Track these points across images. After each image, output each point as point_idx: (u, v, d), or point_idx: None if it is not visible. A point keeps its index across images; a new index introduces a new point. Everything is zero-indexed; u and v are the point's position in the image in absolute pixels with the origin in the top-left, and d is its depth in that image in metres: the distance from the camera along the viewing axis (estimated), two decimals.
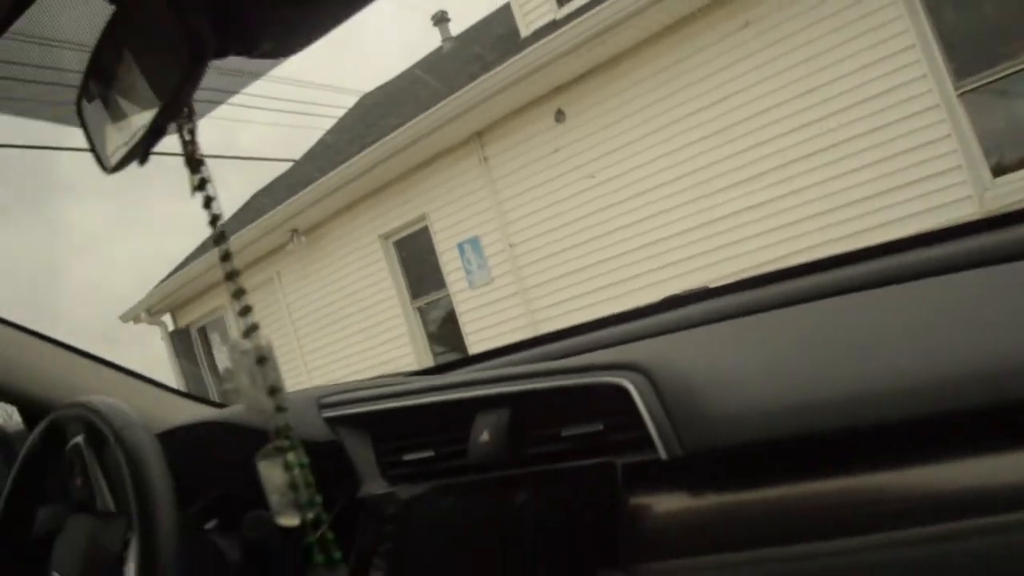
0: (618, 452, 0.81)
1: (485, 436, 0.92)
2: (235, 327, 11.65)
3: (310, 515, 0.69)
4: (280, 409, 0.65)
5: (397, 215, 9.08)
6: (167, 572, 0.86)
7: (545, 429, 0.90)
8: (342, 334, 9.81)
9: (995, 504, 0.59)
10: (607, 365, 0.85)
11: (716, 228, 6.61)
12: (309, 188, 9.14)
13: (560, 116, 7.41)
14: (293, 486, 0.68)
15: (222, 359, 12.53)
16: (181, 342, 12.72)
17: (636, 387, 0.80)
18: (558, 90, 7.38)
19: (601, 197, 7.30)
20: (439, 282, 8.95)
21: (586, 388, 0.87)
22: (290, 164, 12.82)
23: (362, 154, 8.57)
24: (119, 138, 0.67)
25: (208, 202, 0.60)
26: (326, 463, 0.96)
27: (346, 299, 9.77)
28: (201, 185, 0.60)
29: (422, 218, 8.89)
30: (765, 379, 0.76)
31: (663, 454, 0.76)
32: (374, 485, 1.07)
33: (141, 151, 0.61)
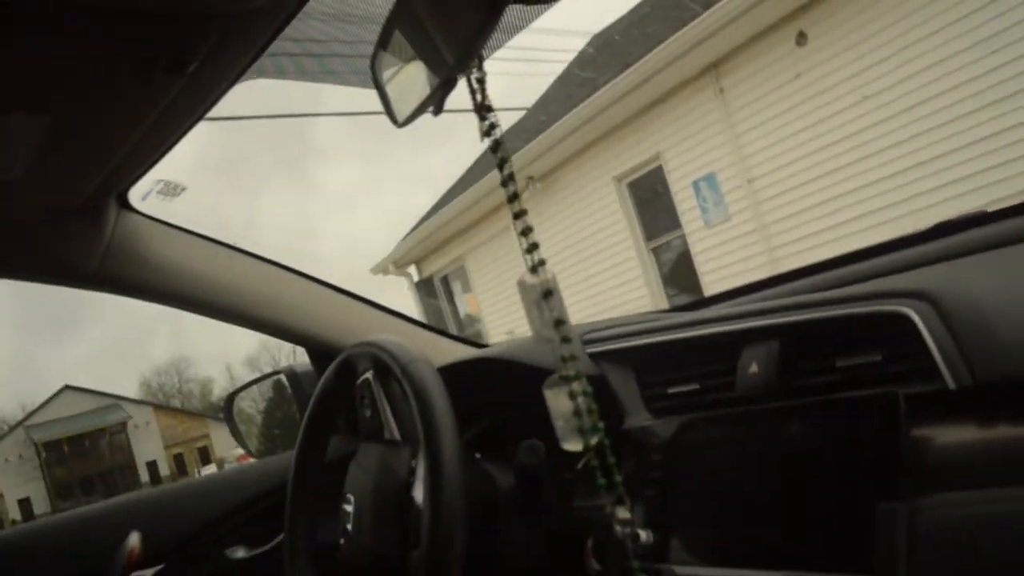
0: (897, 383, 0.79)
1: (754, 368, 0.93)
2: (473, 277, 12.15)
3: (593, 440, 0.72)
4: (565, 340, 0.69)
5: (630, 156, 9.02)
6: (453, 494, 0.93)
7: (818, 360, 0.88)
8: (576, 278, 9.96)
9: None
10: (885, 293, 0.82)
11: (977, 151, 6.03)
12: (543, 135, 9.26)
13: (802, 39, 7.00)
14: (577, 413, 0.72)
15: (462, 305, 13.14)
16: (426, 291, 13.44)
17: (920, 315, 0.77)
18: (801, 10, 6.96)
19: (846, 124, 6.86)
20: (674, 222, 8.85)
21: (862, 318, 0.84)
22: (523, 112, 13.05)
23: (593, 96, 8.57)
24: (410, 93, 0.72)
25: (496, 146, 0.64)
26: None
27: (580, 243, 9.88)
28: (489, 131, 0.64)
29: (656, 157, 8.78)
30: None
31: (951, 383, 0.73)
32: (638, 418, 1.10)
33: (435, 102, 0.66)
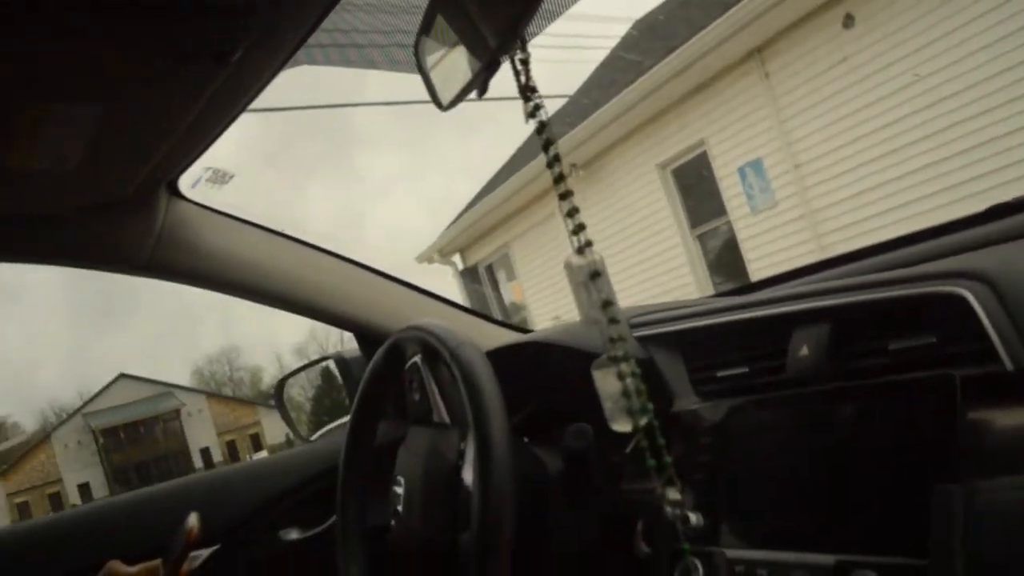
0: (951, 365, 0.77)
1: (804, 350, 0.92)
2: (518, 263, 12.16)
3: (642, 421, 0.72)
4: (613, 321, 0.69)
5: (674, 142, 8.95)
6: (503, 476, 0.94)
7: (870, 343, 0.87)
8: (621, 266, 9.91)
9: None
10: (940, 274, 0.81)
11: None
12: (586, 121, 9.23)
13: (849, 21, 6.86)
14: (626, 394, 0.72)
15: (507, 293, 13.16)
16: (470, 279, 13.49)
17: (976, 296, 0.76)
18: None
19: (894, 108, 6.73)
20: (718, 209, 8.76)
21: (916, 299, 0.83)
22: (564, 99, 13.00)
23: (636, 83, 8.51)
24: (453, 77, 0.73)
25: (541, 127, 0.65)
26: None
27: (626, 230, 9.84)
28: (534, 112, 0.64)
29: (700, 144, 8.70)
30: None
31: (1009, 365, 0.72)
32: (687, 401, 1.09)
33: (479, 84, 0.67)
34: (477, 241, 13.00)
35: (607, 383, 0.74)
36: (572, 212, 0.66)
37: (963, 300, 0.77)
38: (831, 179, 7.42)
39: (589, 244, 0.67)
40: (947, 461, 0.72)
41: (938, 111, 6.39)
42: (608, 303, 0.68)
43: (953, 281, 0.79)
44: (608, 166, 9.86)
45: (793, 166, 7.73)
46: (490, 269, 13.42)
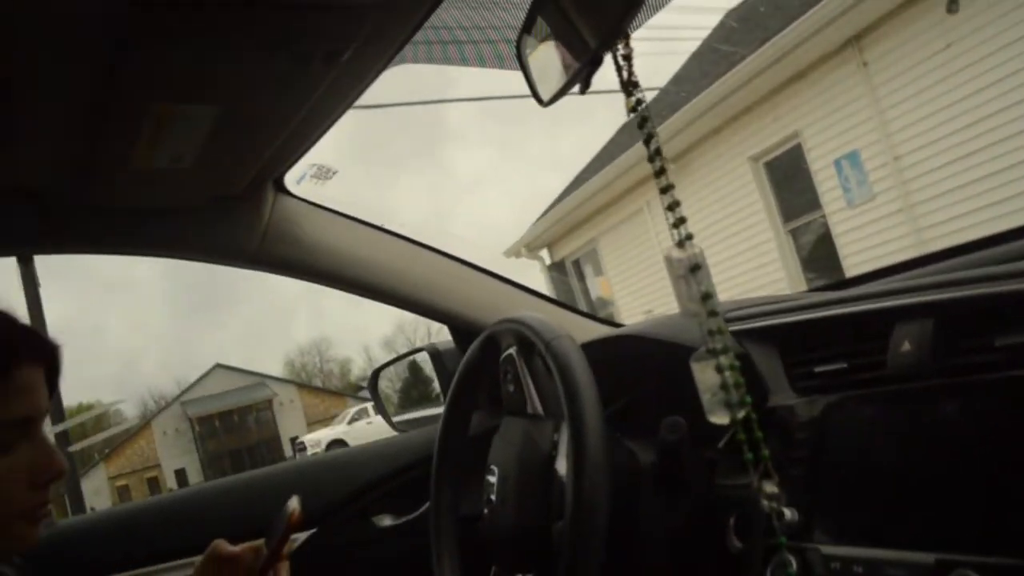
0: None
1: (907, 346, 0.90)
2: (603, 258, 12.11)
3: (740, 414, 0.73)
4: (712, 314, 0.69)
5: (767, 135, 8.78)
6: (597, 466, 0.95)
7: (975, 339, 0.85)
8: (712, 260, 9.70)
9: None
10: None
11: None
12: (677, 114, 9.13)
13: (953, 5, 6.60)
14: (724, 386, 0.72)
15: (594, 288, 13.13)
16: (558, 274, 13.50)
17: None
18: None
19: (1000, 97, 6.45)
20: (813, 203, 8.57)
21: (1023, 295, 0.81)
22: (656, 92, 12.88)
23: (729, 74, 8.37)
24: (554, 73, 0.74)
25: (643, 122, 0.66)
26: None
27: (715, 225, 9.70)
28: (636, 106, 0.65)
29: (794, 136, 8.51)
30: None
31: None
32: (783, 396, 1.08)
33: (581, 80, 0.68)
34: (565, 236, 13.01)
35: (706, 376, 0.75)
36: (673, 206, 0.67)
37: None
38: (932, 171, 7.17)
39: (690, 237, 0.68)
40: None
41: None
42: (708, 296, 0.69)
43: None
44: (699, 159, 9.73)
45: (892, 158, 7.50)
46: (577, 264, 13.41)
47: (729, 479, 1.10)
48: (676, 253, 0.69)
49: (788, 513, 0.91)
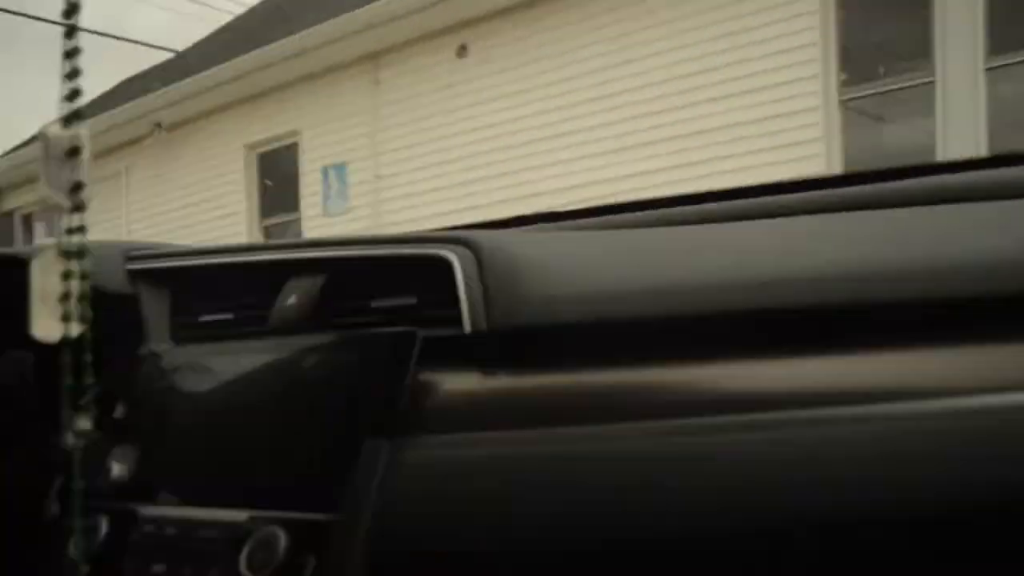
0: (430, 326, 0.77)
1: (292, 300, 0.87)
2: None
3: (74, 330, 0.61)
4: (78, 208, 0.57)
5: (269, 126, 8.72)
6: None
7: (356, 299, 0.85)
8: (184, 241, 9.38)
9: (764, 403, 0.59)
10: (435, 239, 0.81)
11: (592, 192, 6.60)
12: (184, 82, 8.68)
13: (463, 51, 7.25)
14: (66, 295, 0.60)
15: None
16: (1, 226, 11.96)
17: (460, 260, 0.77)
18: (466, 24, 7.21)
19: (476, 143, 7.20)
20: (293, 204, 8.69)
21: (407, 260, 0.83)
22: (171, 55, 12.15)
23: (249, 55, 8.18)
24: None
25: (73, 74, 0.53)
26: (116, 316, 0.88)
27: (199, 204, 9.36)
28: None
29: (294, 133, 8.57)
30: (589, 266, 0.76)
31: (467, 328, 0.74)
32: (157, 345, 0.98)
33: None
34: (20, 187, 11.52)
35: (47, 279, 0.62)
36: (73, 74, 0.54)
37: (449, 265, 0.77)
38: (402, 198, 7.72)
39: (79, 116, 0.55)
40: (387, 418, 0.71)
41: (524, 152, 6.93)
42: (79, 186, 0.57)
43: (444, 245, 0.79)
44: (196, 135, 9.33)
45: (374, 176, 7.91)
46: (28, 219, 11.97)
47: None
48: (55, 130, 0.56)
49: (117, 468, 0.81)
